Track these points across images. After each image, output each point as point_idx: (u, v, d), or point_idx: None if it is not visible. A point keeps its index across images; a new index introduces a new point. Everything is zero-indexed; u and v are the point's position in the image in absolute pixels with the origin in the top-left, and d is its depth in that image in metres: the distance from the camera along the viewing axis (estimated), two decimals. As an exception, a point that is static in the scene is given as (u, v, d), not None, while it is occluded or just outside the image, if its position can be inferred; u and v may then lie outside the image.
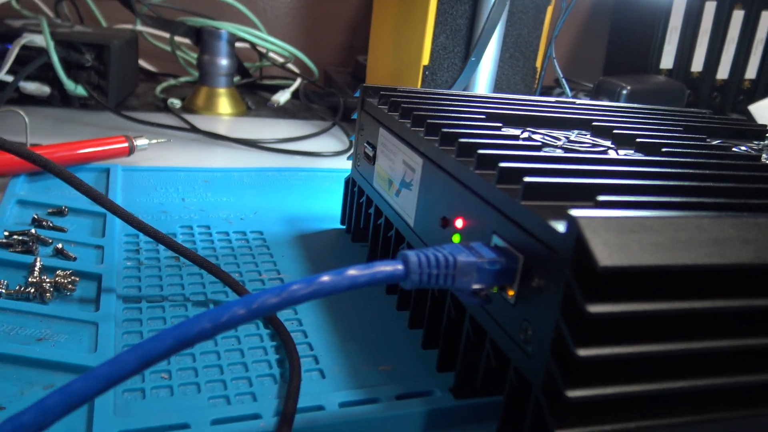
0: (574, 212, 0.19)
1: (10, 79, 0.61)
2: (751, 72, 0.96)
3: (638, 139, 0.32)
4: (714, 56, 0.94)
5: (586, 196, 0.22)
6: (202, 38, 0.75)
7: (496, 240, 0.24)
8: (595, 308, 0.18)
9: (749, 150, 0.36)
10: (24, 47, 0.62)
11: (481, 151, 0.26)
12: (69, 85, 0.65)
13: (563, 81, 0.71)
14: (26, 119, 0.50)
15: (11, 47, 0.61)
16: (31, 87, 0.65)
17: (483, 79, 0.69)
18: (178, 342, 0.18)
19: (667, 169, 0.26)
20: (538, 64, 0.73)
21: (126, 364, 0.18)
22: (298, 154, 0.64)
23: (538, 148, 0.29)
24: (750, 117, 0.84)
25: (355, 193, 0.42)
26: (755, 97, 0.96)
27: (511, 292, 0.22)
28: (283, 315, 0.33)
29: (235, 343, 0.31)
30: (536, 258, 0.21)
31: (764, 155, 0.34)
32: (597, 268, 0.18)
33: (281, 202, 0.49)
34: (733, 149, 0.35)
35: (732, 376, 0.21)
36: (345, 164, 0.62)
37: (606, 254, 0.18)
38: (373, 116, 0.38)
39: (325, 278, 0.20)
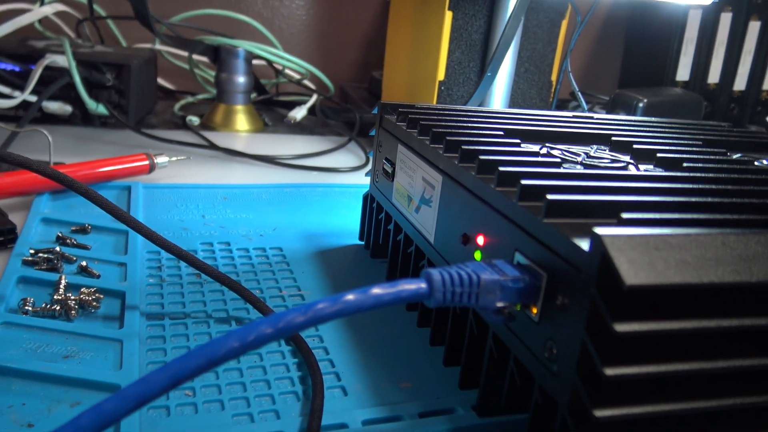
0: (599, 230, 0.19)
1: (33, 99, 0.63)
2: (768, 83, 0.95)
3: (659, 154, 0.32)
4: (731, 67, 0.94)
5: (610, 213, 0.22)
6: (219, 56, 0.76)
7: (519, 258, 0.24)
8: (621, 327, 0.18)
9: (771, 164, 0.35)
10: (47, 68, 0.63)
11: (502, 168, 0.26)
12: (90, 104, 0.66)
13: (579, 94, 0.71)
14: (50, 138, 0.51)
15: (35, 68, 0.62)
16: (54, 106, 0.66)
17: (498, 93, 0.69)
18: (206, 361, 0.18)
19: (690, 185, 0.26)
20: (554, 77, 0.73)
21: (156, 384, 0.18)
22: (315, 170, 0.64)
23: (558, 165, 0.29)
24: (768, 128, 0.84)
25: (374, 209, 0.43)
26: (773, 108, 0.96)
27: (534, 310, 0.22)
28: (305, 332, 0.34)
29: (258, 359, 0.31)
30: (560, 276, 0.21)
31: (786, 169, 0.34)
32: (623, 287, 0.18)
33: (300, 218, 0.50)
34: (755, 163, 0.35)
35: (761, 396, 0.21)
36: (362, 179, 0.62)
37: (632, 273, 0.18)
38: (392, 133, 0.39)
39: (350, 297, 0.20)
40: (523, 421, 0.25)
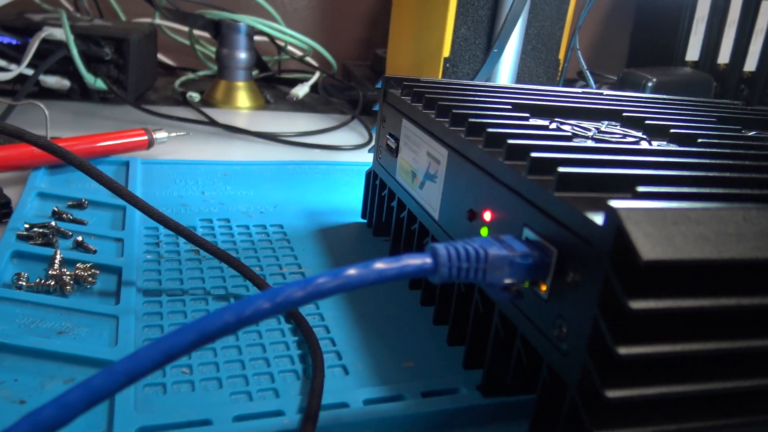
0: (614, 203, 0.18)
1: (30, 72, 0.61)
2: (779, 64, 0.93)
3: (672, 130, 0.31)
4: (741, 47, 0.92)
5: (624, 187, 0.21)
6: (220, 31, 0.74)
7: (528, 233, 0.23)
8: (637, 304, 0.18)
9: (787, 141, 0.34)
10: (44, 41, 0.62)
11: (511, 141, 0.25)
12: (89, 78, 0.65)
13: (587, 73, 0.70)
14: (46, 112, 0.50)
15: (31, 41, 0.61)
16: (51, 81, 0.65)
17: (505, 71, 0.68)
18: (200, 336, 0.18)
19: (706, 160, 0.25)
20: (561, 56, 0.71)
21: (147, 359, 0.17)
22: (317, 147, 0.63)
23: (568, 138, 0.28)
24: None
25: (376, 186, 0.42)
26: (784, 90, 0.94)
27: (543, 287, 0.22)
28: (305, 309, 0.33)
29: (257, 338, 0.30)
30: (571, 252, 0.20)
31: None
32: (640, 262, 0.17)
33: (301, 195, 0.49)
34: (771, 140, 0.34)
35: (780, 377, 0.20)
36: (365, 157, 0.61)
37: (649, 248, 0.17)
38: (396, 107, 0.38)
39: (352, 271, 0.19)
40: (529, 402, 0.24)
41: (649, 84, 0.71)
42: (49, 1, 0.81)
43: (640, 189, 0.20)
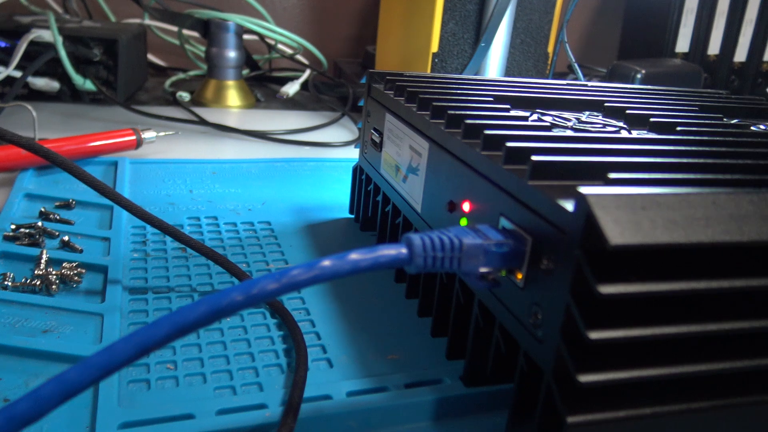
0: (583, 190, 0.18)
1: (18, 74, 0.61)
2: (769, 54, 0.94)
3: (652, 119, 0.31)
4: (731, 38, 0.92)
5: (597, 174, 0.22)
6: (209, 31, 0.74)
7: (504, 222, 0.23)
8: (606, 289, 0.18)
9: (768, 128, 0.34)
10: (32, 43, 0.62)
11: (487, 132, 0.25)
12: (77, 80, 0.65)
13: (575, 66, 0.70)
14: (34, 113, 0.50)
15: (19, 43, 0.61)
16: (40, 83, 0.65)
17: (494, 65, 0.68)
18: (175, 329, 0.18)
19: (682, 147, 0.25)
20: (550, 49, 0.72)
21: (122, 352, 0.17)
22: (307, 144, 0.63)
23: (547, 129, 0.28)
24: (769, 99, 0.82)
25: (363, 181, 0.42)
26: (774, 80, 0.94)
27: (519, 276, 0.22)
28: (291, 305, 0.33)
29: (242, 333, 0.30)
30: (545, 239, 0.20)
31: (784, 133, 0.33)
32: (608, 246, 0.17)
33: (290, 192, 0.49)
34: (752, 128, 0.34)
35: (751, 359, 0.20)
36: (355, 154, 0.62)
37: (617, 232, 0.17)
38: (380, 102, 0.38)
39: (326, 263, 0.20)
40: (510, 391, 0.25)
41: (638, 76, 0.71)
42: (37, 3, 0.81)
43: (612, 176, 0.20)
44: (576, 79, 0.74)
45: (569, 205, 0.19)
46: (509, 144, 0.23)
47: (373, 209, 0.41)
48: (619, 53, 1.06)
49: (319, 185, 0.51)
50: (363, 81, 0.41)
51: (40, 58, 0.62)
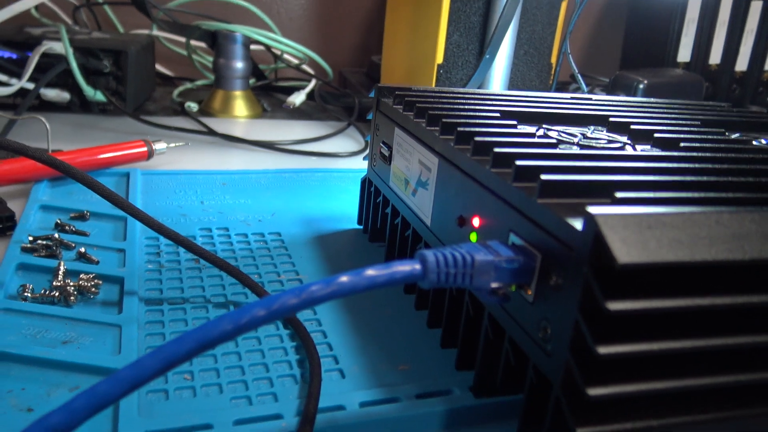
0: (592, 210, 0.19)
1: (31, 86, 0.62)
2: (771, 63, 0.94)
3: (656, 134, 0.32)
4: (732, 48, 0.93)
5: (604, 193, 0.22)
6: (217, 42, 0.75)
7: (514, 238, 0.24)
8: (614, 306, 0.18)
9: (769, 143, 0.35)
10: (44, 55, 0.63)
11: (497, 150, 0.26)
12: (88, 91, 0.66)
13: (578, 76, 0.71)
14: (47, 126, 0.51)
15: (31, 55, 0.62)
16: (52, 94, 0.66)
17: (498, 76, 0.69)
18: (199, 344, 0.18)
19: (686, 165, 0.26)
20: (553, 60, 0.72)
21: (149, 367, 0.18)
22: (314, 155, 0.64)
23: (553, 146, 0.29)
24: (770, 109, 0.83)
25: (371, 193, 0.43)
26: (776, 89, 0.95)
27: (529, 291, 0.22)
28: (303, 315, 0.34)
29: (256, 344, 0.31)
30: (554, 256, 0.21)
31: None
32: (616, 265, 0.18)
33: (298, 203, 0.50)
34: (753, 142, 0.35)
35: (753, 373, 0.21)
36: (361, 164, 0.62)
37: (624, 251, 0.18)
38: (389, 116, 0.39)
39: (344, 279, 0.20)
40: (518, 402, 0.25)
41: (641, 86, 0.72)
42: (48, 15, 0.82)
43: (619, 195, 0.21)
44: (578, 89, 0.75)
45: (578, 224, 0.20)
46: (519, 162, 0.24)
47: (382, 221, 0.41)
48: (621, 63, 1.07)
49: (327, 196, 0.52)
50: (371, 95, 0.41)
51: (52, 70, 0.63)
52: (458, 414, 0.27)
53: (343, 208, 0.49)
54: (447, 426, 0.27)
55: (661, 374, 0.20)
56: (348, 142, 0.71)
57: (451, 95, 0.39)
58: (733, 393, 0.21)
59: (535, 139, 0.29)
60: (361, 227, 0.46)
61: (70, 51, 0.63)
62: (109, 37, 0.72)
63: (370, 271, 0.21)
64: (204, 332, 0.19)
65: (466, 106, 0.36)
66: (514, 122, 0.33)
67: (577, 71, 0.70)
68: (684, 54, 0.93)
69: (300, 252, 0.41)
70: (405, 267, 0.21)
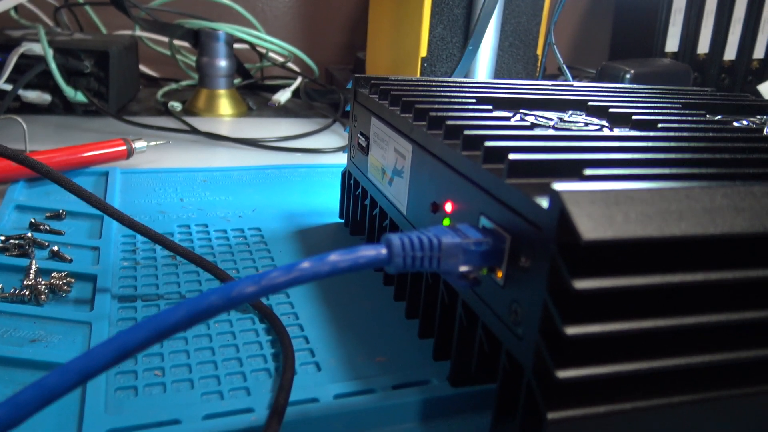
0: (557, 186, 0.18)
1: (9, 87, 0.62)
2: (759, 52, 0.94)
3: (634, 117, 0.32)
4: (720, 37, 0.93)
5: (574, 171, 0.22)
6: (200, 40, 0.75)
7: (484, 221, 0.23)
8: (581, 284, 0.18)
9: (750, 124, 0.35)
10: (23, 56, 0.62)
11: (467, 132, 0.25)
12: (68, 92, 0.65)
13: (564, 67, 0.70)
14: (24, 126, 0.51)
15: (9, 56, 0.61)
16: (32, 95, 0.65)
17: (483, 68, 0.68)
18: (154, 333, 0.18)
19: (661, 143, 0.25)
20: (539, 51, 0.72)
21: (101, 357, 0.17)
22: (299, 151, 0.63)
23: (527, 128, 0.28)
24: (759, 97, 0.83)
25: (351, 185, 0.42)
26: (764, 77, 0.95)
27: (499, 274, 0.22)
28: (280, 308, 0.33)
29: (231, 338, 0.30)
30: (523, 237, 0.20)
31: (766, 129, 0.33)
32: (581, 241, 0.17)
33: (280, 198, 0.49)
34: (734, 123, 0.34)
35: (728, 352, 0.20)
36: (345, 160, 0.62)
37: (590, 227, 0.18)
38: (366, 106, 0.38)
39: (306, 264, 0.20)
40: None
41: (627, 76, 0.71)
42: (28, 17, 0.81)
43: (587, 172, 0.21)
44: (565, 81, 0.74)
45: (544, 202, 0.19)
46: (488, 143, 0.23)
47: (362, 213, 0.41)
48: (610, 54, 1.06)
49: (310, 191, 0.51)
50: (349, 86, 0.41)
51: (30, 71, 0.62)
52: (435, 404, 0.26)
53: (326, 203, 0.49)
54: (424, 417, 0.26)
55: (633, 355, 0.19)
56: (333, 138, 0.70)
57: (428, 84, 0.39)
58: (710, 373, 0.21)
59: (509, 122, 0.28)
60: (343, 221, 0.45)
61: (49, 51, 0.62)
62: (91, 38, 0.71)
63: (333, 257, 0.20)
64: (159, 320, 0.18)
65: (443, 94, 0.35)
66: (490, 107, 0.32)
67: (562, 62, 0.70)
68: (672, 44, 0.92)
69: (279, 246, 0.41)
70: (370, 251, 0.21)
